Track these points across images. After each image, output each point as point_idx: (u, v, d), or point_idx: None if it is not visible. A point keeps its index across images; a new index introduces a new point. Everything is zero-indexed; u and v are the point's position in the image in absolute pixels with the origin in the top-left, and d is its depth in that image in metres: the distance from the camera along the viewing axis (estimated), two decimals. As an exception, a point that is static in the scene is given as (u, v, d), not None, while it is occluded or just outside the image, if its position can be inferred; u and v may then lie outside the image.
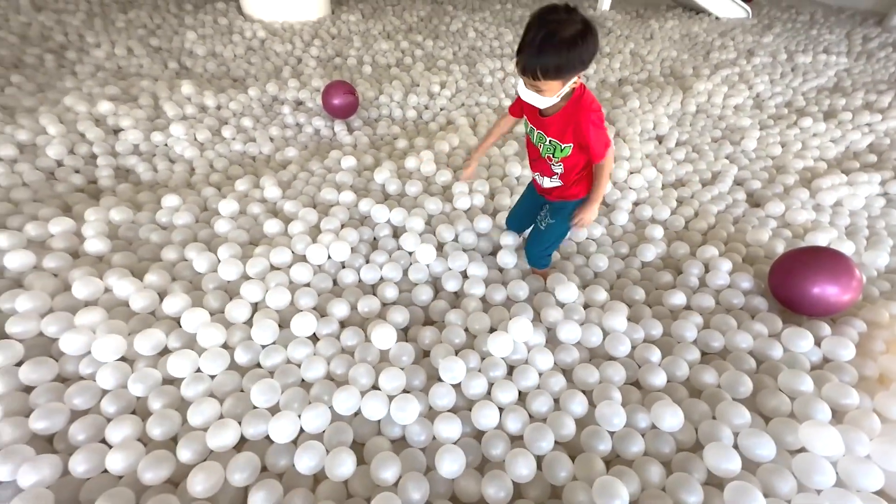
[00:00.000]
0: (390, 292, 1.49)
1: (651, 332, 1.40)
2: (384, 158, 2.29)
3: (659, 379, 1.26)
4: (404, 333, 1.40)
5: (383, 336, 1.29)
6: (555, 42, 1.00)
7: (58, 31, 3.31)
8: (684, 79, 3.29)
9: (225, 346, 1.30)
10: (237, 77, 3.18)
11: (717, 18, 4.80)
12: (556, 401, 1.22)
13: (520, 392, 1.23)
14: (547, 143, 1.23)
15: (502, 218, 1.79)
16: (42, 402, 1.13)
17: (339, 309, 1.42)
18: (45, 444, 1.09)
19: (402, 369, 1.23)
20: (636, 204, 2.05)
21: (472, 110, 2.87)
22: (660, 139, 2.56)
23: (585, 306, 1.50)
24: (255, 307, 1.41)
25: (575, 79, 1.10)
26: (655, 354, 1.33)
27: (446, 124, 2.77)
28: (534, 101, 1.13)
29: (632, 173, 2.19)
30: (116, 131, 2.32)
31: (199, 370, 1.22)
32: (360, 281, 1.57)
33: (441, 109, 2.92)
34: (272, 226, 1.70)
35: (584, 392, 1.23)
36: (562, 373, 1.29)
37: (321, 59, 3.53)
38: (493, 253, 1.72)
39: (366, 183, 2.06)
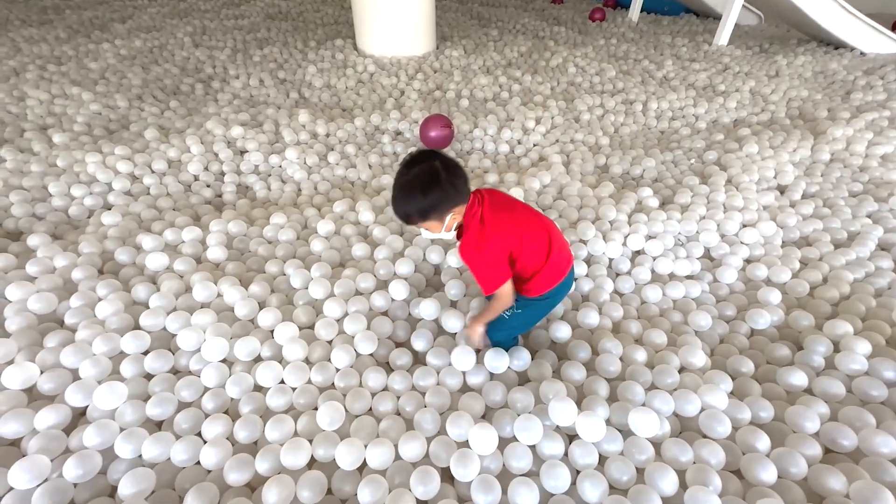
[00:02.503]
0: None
1: (759, 414, 1.24)
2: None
3: (767, 473, 1.10)
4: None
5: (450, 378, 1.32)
6: (404, 192, 1.06)
7: (208, 64, 3.94)
8: (816, 122, 2.94)
9: (307, 361, 1.40)
10: (346, 107, 3.50)
11: (861, 54, 4.26)
12: (640, 471, 1.12)
13: (600, 455, 1.16)
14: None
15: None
16: (158, 390, 1.30)
17: (416, 342, 1.47)
18: (155, 427, 1.26)
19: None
20: (748, 262, 1.86)
21: (567, 147, 2.86)
22: (782, 190, 2.30)
23: (681, 370, 1.38)
24: (340, 325, 1.50)
25: (451, 213, 1.11)
26: (764, 442, 1.17)
27: (538, 160, 2.78)
28: (425, 235, 1.18)
29: (745, 226, 1.99)
30: (243, 152, 2.67)
31: (282, 381, 1.32)
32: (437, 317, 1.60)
33: (534, 145, 2.94)
34: (361, 249, 1.82)
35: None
36: (649, 443, 1.19)
37: (422, 92, 3.76)
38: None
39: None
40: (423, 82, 3.86)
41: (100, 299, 1.54)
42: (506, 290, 1.20)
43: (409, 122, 3.07)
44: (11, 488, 1.05)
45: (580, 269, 1.82)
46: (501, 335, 1.41)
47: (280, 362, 1.39)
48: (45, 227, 1.99)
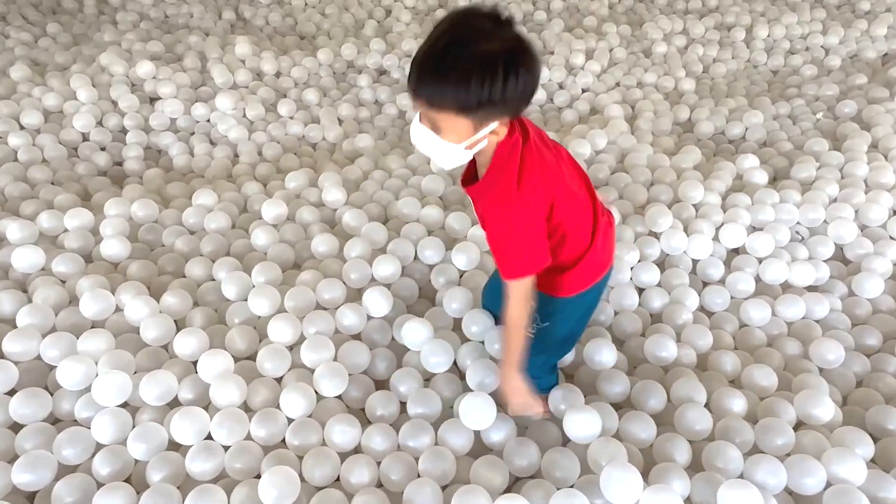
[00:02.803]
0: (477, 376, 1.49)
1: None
2: None
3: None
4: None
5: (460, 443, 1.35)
6: (463, 55, 0.92)
7: (104, -31, 3.95)
8: None
9: (245, 407, 1.42)
10: (305, 34, 3.52)
11: None
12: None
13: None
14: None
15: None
16: (29, 447, 1.32)
17: (403, 382, 1.48)
18: (26, 502, 1.27)
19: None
20: (902, 265, 1.86)
21: (633, 94, 2.86)
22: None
23: (797, 425, 1.39)
24: (294, 354, 1.52)
25: (494, 126, 1.02)
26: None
27: (589, 114, 2.79)
28: (423, 146, 1.07)
29: (896, 213, 2.00)
30: (153, 100, 2.70)
31: (209, 437, 1.34)
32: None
33: (584, 91, 2.96)
34: (325, 242, 1.84)
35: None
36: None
37: (418, 11, 3.77)
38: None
39: (462, 195, 2.13)
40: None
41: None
42: (527, 288, 1.14)
43: (397, 57, 3.08)
44: None
45: (648, 275, 1.83)
46: (536, 368, 1.39)
47: (206, 408, 1.40)
48: None
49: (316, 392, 1.43)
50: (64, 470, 1.31)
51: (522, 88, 0.96)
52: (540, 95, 2.91)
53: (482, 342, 1.56)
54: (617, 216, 1.95)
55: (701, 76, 3.10)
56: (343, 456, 1.33)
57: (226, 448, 1.33)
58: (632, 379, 1.54)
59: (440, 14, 3.75)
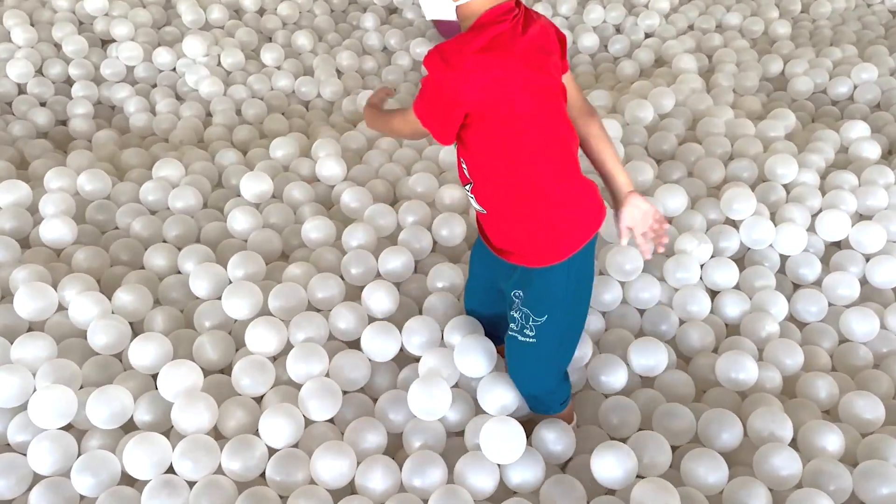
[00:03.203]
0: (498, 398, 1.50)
1: None
2: None
3: None
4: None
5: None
6: None
7: None
8: None
9: (216, 433, 1.44)
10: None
11: None
12: None
13: None
14: None
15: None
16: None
17: (396, 412, 1.49)
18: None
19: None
20: None
21: (710, 41, 2.85)
22: None
23: None
24: (278, 366, 1.53)
25: None
26: None
27: (653, 65, 2.76)
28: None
29: None
30: (105, 42, 2.72)
31: (170, 470, 1.36)
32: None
33: (647, 36, 2.94)
34: (318, 228, 1.85)
35: None
36: None
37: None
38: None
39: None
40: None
41: None
42: (413, 126, 1.27)
43: (413, -8, 3.08)
44: None
45: (724, 274, 1.81)
46: (535, 381, 1.44)
47: (167, 434, 1.42)
48: None
49: (303, 415, 1.45)
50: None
51: None
52: (590, 42, 2.89)
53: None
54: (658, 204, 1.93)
55: (799, 17, 3.07)
56: (335, 496, 1.34)
57: (191, 484, 1.34)
58: (698, 406, 1.53)
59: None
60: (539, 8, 3.00)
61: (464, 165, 1.30)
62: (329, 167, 2.06)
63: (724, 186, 2.01)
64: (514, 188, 1.25)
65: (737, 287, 1.82)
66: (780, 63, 2.68)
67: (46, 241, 1.82)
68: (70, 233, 1.83)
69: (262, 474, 1.38)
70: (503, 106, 1.18)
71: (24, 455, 1.38)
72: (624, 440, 1.44)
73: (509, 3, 1.20)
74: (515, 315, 1.38)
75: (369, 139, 2.29)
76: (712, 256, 1.85)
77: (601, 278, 1.76)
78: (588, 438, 1.51)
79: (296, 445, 1.42)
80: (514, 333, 1.39)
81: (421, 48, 2.83)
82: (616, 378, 1.59)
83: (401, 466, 1.39)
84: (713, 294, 1.81)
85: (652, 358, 1.62)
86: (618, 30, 2.99)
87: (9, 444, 1.44)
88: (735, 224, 1.92)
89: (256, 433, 1.42)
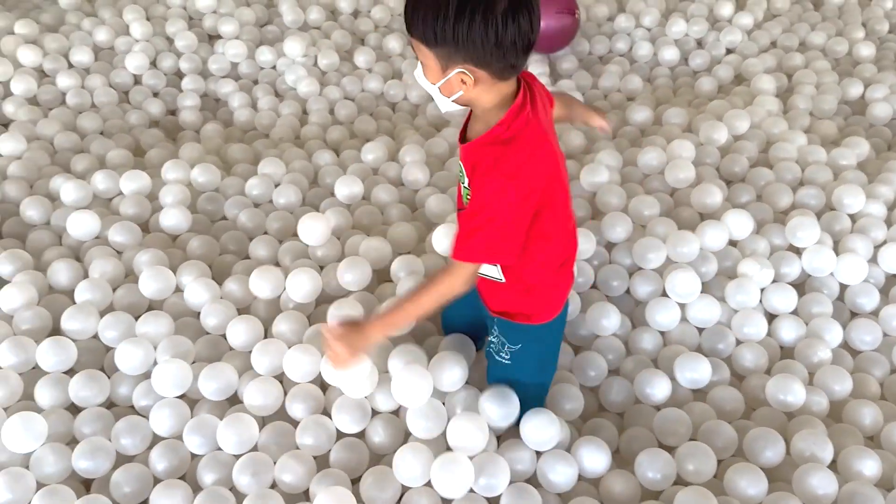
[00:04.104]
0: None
1: None
2: (602, 139, 2.46)
3: None
4: None
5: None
6: None
7: None
8: None
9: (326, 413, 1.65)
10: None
11: None
12: None
13: None
14: (465, 183, 1.32)
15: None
16: (88, 431, 1.59)
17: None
18: (84, 489, 1.54)
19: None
20: None
21: (791, 60, 2.87)
22: None
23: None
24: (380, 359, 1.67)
25: (459, 71, 1.16)
26: None
27: (733, 82, 2.83)
28: (418, 79, 1.26)
29: None
30: (213, 38, 2.95)
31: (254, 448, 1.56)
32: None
33: (728, 52, 3.00)
34: (404, 231, 2.02)
35: None
36: None
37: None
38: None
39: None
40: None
41: (2, 281, 1.86)
42: (471, 274, 1.29)
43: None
44: None
45: (782, 299, 1.90)
46: (529, 400, 1.57)
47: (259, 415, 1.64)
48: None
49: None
50: (121, 458, 1.58)
51: (481, 35, 1.09)
52: (671, 55, 2.97)
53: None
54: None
55: (886, 38, 3.06)
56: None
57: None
58: (744, 423, 1.65)
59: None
60: (622, 20, 3.07)
61: None
62: (413, 173, 2.24)
63: (791, 213, 2.08)
64: (534, 263, 1.37)
65: (794, 312, 1.91)
66: (860, 87, 2.69)
67: (165, 227, 2.05)
68: (186, 221, 2.06)
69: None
70: (548, 194, 1.28)
71: (146, 418, 1.61)
72: (673, 449, 1.58)
73: (519, 100, 1.23)
74: (492, 339, 1.53)
75: (451, 145, 2.45)
76: (773, 281, 1.94)
77: (659, 299, 1.89)
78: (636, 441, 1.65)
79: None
80: (491, 350, 1.55)
81: (505, 54, 2.95)
82: (659, 390, 1.72)
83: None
84: (771, 318, 1.90)
85: (696, 372, 1.74)
86: (699, 44, 3.03)
87: (132, 406, 1.68)
88: (798, 251, 2.00)
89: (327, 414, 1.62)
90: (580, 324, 1.90)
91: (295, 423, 1.60)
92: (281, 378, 1.67)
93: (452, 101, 1.23)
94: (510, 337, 1.49)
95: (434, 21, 1.11)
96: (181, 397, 1.66)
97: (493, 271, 1.41)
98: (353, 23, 3.09)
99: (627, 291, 1.97)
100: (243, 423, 1.57)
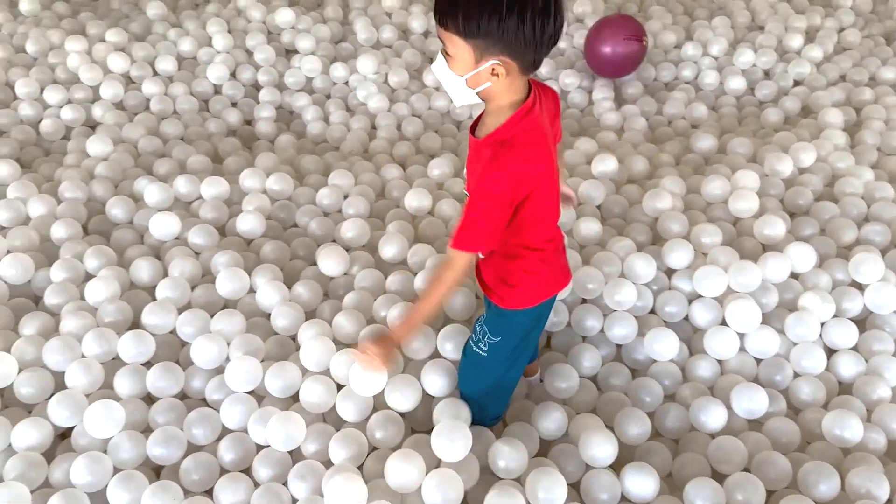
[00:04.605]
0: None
1: None
2: (666, 165, 2.48)
3: None
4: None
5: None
6: None
7: None
8: None
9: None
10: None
11: None
12: None
13: None
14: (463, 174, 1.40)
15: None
16: (162, 421, 1.68)
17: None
18: (154, 475, 1.63)
19: None
20: None
21: (860, 95, 2.86)
22: None
23: None
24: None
25: (493, 63, 1.22)
26: None
27: (800, 114, 2.82)
28: (438, 75, 1.33)
29: None
30: (290, 52, 3.07)
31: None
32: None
33: (796, 84, 2.99)
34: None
35: None
36: None
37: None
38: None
39: (626, 207, 2.30)
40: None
41: (88, 275, 1.98)
42: (469, 263, 1.40)
43: (567, 22, 3.23)
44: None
45: (843, 335, 1.90)
46: (476, 385, 1.65)
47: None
48: (10, 149, 2.52)
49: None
50: (191, 447, 1.66)
51: (523, 31, 1.18)
52: (738, 85, 2.97)
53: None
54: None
55: None
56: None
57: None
58: (799, 456, 1.65)
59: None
60: (689, 48, 3.09)
61: None
62: (477, 190, 2.31)
63: (855, 249, 2.07)
64: (514, 247, 1.45)
65: (854, 349, 1.90)
66: (933, 125, 2.65)
67: (241, 231, 2.16)
68: (261, 227, 2.16)
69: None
70: (536, 191, 1.34)
71: (217, 411, 1.69)
72: (726, 477, 1.59)
73: (529, 102, 1.31)
74: (476, 327, 1.61)
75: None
76: (834, 316, 1.93)
77: (718, 328, 1.91)
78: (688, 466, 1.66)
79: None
80: (471, 341, 1.62)
81: (569, 78, 2.99)
82: (714, 418, 1.73)
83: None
84: (830, 352, 1.90)
85: (752, 402, 1.75)
86: (767, 75, 3.03)
87: (204, 399, 1.77)
88: (861, 287, 1.99)
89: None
90: (637, 347, 1.93)
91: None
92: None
93: (476, 92, 1.30)
94: (493, 327, 1.56)
95: (479, 14, 1.18)
96: (250, 393, 1.74)
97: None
98: (424, 42, 3.18)
99: (686, 318, 1.99)
100: (292, 421, 1.64)
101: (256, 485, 1.58)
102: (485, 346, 1.58)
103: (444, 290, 1.48)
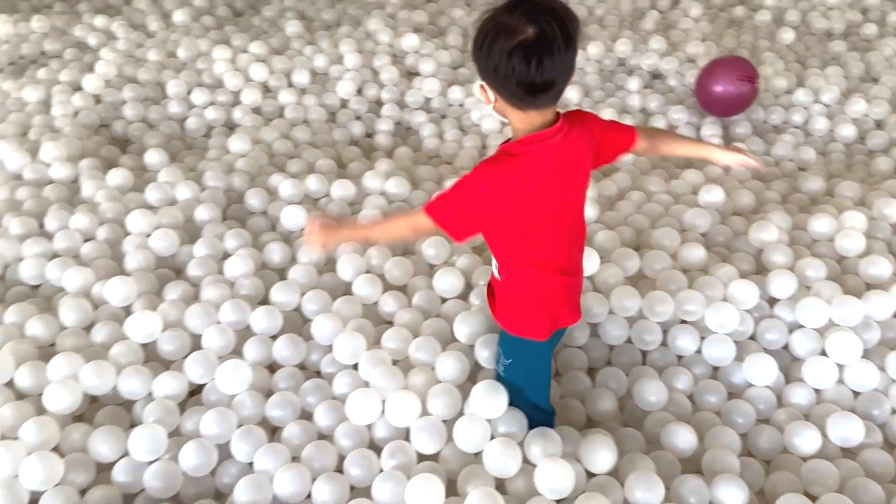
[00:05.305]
0: None
1: None
2: (775, 207, 2.47)
3: None
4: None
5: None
6: (486, 17, 1.31)
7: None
8: None
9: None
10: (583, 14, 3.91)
11: None
12: None
13: None
14: None
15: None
16: (282, 386, 1.83)
17: None
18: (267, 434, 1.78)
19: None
20: None
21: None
22: None
23: None
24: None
25: (482, 87, 1.36)
26: None
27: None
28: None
29: None
30: (411, 74, 3.26)
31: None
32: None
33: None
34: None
35: None
36: None
37: (711, 6, 3.96)
38: None
39: (730, 236, 2.35)
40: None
41: (226, 253, 2.18)
42: (426, 227, 1.46)
43: (678, 61, 3.35)
44: (125, 455, 1.66)
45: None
46: (513, 394, 1.69)
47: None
48: (158, 140, 2.78)
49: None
50: (303, 414, 1.79)
51: (484, 59, 1.29)
52: (848, 132, 2.98)
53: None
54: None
55: None
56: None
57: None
58: (891, 488, 1.65)
59: (738, 12, 3.93)
60: (800, 94, 3.10)
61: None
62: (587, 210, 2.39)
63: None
64: (524, 273, 1.52)
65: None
66: None
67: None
68: (379, 221, 2.33)
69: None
70: (515, 214, 1.42)
71: (330, 382, 1.84)
72: (816, 498, 1.61)
73: (548, 132, 1.37)
74: (497, 348, 1.71)
75: (620, 189, 2.58)
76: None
77: (817, 358, 1.92)
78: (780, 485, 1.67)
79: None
80: (496, 361, 1.73)
81: (678, 114, 3.06)
82: (809, 442, 1.74)
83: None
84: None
85: (848, 430, 1.76)
86: (879, 125, 3.01)
87: (318, 372, 1.91)
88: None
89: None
90: (734, 371, 1.96)
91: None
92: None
93: (490, 109, 1.42)
94: (504, 349, 1.67)
95: (471, 42, 1.34)
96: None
97: (495, 269, 1.59)
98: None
99: (785, 347, 2.01)
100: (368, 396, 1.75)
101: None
102: (502, 367, 1.69)
103: (391, 232, 1.63)
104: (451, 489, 1.61)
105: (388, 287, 2.10)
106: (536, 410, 1.72)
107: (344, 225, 1.68)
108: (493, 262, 1.58)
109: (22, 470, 1.56)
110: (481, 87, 1.37)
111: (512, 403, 1.70)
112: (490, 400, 1.69)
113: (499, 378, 1.73)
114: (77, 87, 2.98)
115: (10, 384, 1.77)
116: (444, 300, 2.08)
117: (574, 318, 1.64)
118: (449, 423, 1.72)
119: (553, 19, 1.25)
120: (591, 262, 2.08)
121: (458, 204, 1.42)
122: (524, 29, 1.24)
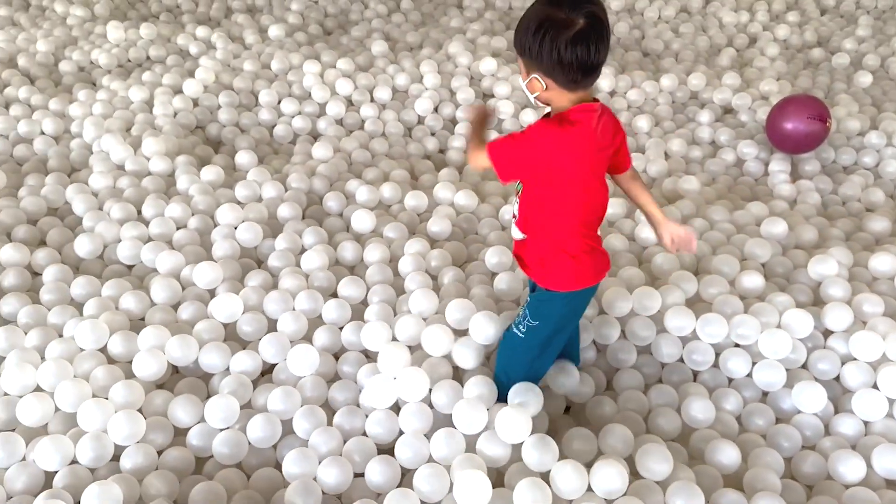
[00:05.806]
0: None
1: None
2: (837, 244, 2.48)
3: None
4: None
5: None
6: (534, 6, 1.47)
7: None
8: None
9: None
10: (651, 51, 3.99)
11: None
12: None
13: None
14: None
15: None
16: (346, 370, 1.97)
17: None
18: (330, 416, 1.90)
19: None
20: None
21: None
22: None
23: None
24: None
25: (536, 79, 1.48)
26: None
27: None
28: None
29: None
30: (486, 96, 3.39)
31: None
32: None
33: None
34: (630, 273, 2.24)
35: None
36: None
37: (789, 46, 4.00)
38: None
39: (790, 268, 2.38)
40: (793, 29, 4.08)
41: (303, 248, 2.33)
42: (483, 160, 1.58)
43: (751, 97, 3.39)
44: (201, 421, 1.80)
45: None
46: (509, 370, 1.83)
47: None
48: (248, 143, 2.98)
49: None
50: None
51: (547, 52, 1.42)
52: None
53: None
54: None
55: None
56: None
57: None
58: None
59: (816, 54, 3.94)
60: (872, 136, 3.08)
61: (516, 203, 1.68)
62: (645, 231, 2.46)
63: None
64: (549, 229, 1.63)
65: None
66: None
67: (430, 233, 2.46)
68: (446, 231, 2.46)
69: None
70: (563, 172, 1.54)
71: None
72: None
73: (593, 105, 1.52)
74: (520, 311, 1.78)
75: (684, 217, 2.60)
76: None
77: (868, 390, 1.93)
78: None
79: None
80: (513, 324, 1.79)
81: (748, 148, 3.08)
82: (853, 470, 1.76)
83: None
84: None
85: (893, 462, 1.78)
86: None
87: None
88: None
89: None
90: (783, 397, 1.98)
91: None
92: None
93: (534, 98, 1.54)
94: (534, 311, 1.73)
95: (519, 36, 1.48)
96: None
97: (517, 233, 1.72)
98: (609, 100, 3.38)
99: (836, 378, 2.03)
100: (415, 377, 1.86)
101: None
102: (524, 327, 1.75)
103: (474, 155, 1.65)
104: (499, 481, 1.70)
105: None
106: (511, 381, 1.83)
107: (476, 130, 1.76)
108: (514, 226, 1.72)
109: (110, 425, 1.72)
110: (532, 80, 1.50)
111: (502, 376, 1.85)
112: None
113: (507, 336, 1.83)
114: (177, 91, 3.21)
115: (103, 349, 1.94)
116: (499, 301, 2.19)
117: (599, 276, 1.72)
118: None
119: (592, 5, 1.43)
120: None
121: (516, 151, 1.54)
122: (576, 20, 1.41)
